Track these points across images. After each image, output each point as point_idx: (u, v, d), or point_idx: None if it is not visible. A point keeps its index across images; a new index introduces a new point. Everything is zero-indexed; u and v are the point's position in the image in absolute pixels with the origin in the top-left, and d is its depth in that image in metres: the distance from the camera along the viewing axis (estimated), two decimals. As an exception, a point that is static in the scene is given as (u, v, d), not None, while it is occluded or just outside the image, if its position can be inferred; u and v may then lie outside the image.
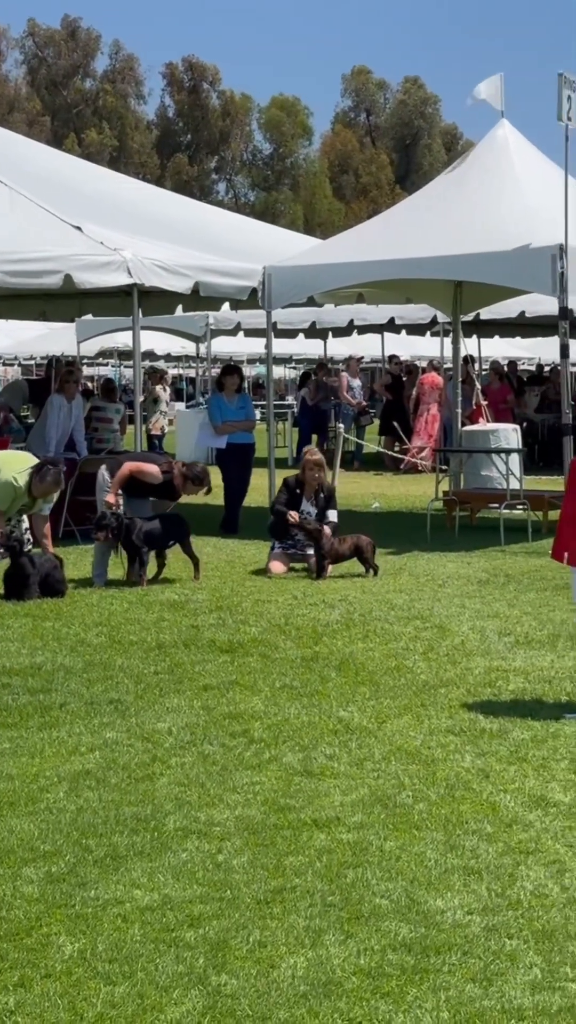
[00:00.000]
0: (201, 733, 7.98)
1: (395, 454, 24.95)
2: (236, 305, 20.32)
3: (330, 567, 13.83)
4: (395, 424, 27.52)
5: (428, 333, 32.04)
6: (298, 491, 14.29)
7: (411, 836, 6.24)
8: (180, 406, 47.11)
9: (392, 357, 32.37)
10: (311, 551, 13.99)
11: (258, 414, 38.42)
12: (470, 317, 25.60)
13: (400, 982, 4.75)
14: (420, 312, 27.92)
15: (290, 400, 40.79)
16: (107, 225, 16.89)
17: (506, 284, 16.95)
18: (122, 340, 41.23)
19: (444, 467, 20.99)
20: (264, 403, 48.57)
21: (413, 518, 19.00)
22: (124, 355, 48.13)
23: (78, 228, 16.48)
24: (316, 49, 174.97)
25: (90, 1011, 4.56)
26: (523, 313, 25.73)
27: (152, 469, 13.42)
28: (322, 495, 14.29)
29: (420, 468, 26.22)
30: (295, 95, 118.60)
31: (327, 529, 13.85)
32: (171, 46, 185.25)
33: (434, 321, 27.31)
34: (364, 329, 32.44)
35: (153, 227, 17.87)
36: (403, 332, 33.75)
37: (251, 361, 52.04)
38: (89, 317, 25.52)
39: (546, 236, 15.45)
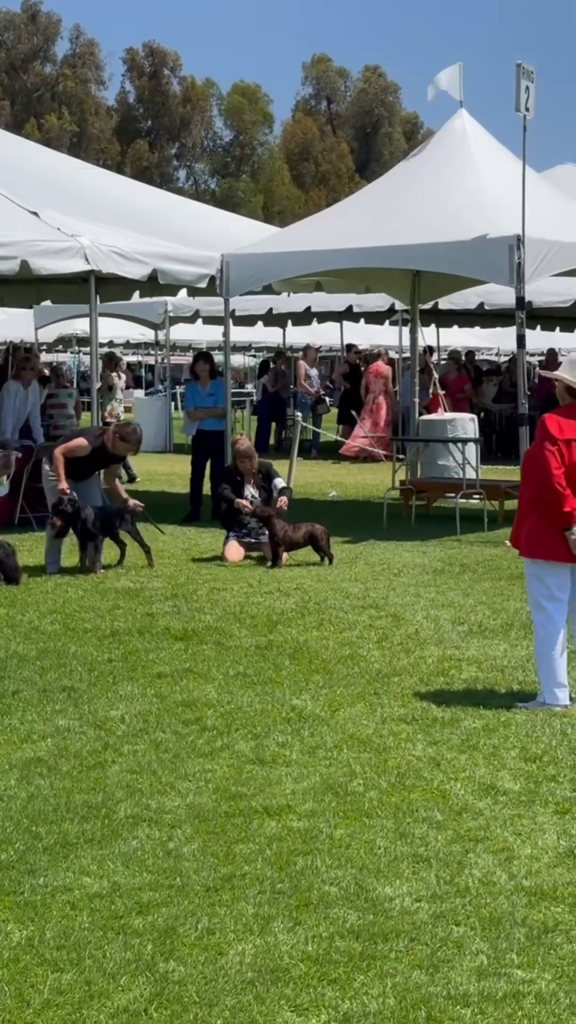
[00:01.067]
0: (154, 721, 8.00)
1: (339, 438, 24.93)
2: (193, 292, 20.29)
3: (285, 555, 13.84)
4: (352, 413, 27.54)
5: (387, 322, 32.04)
6: (239, 478, 14.34)
7: (361, 824, 6.26)
8: (140, 393, 47.14)
9: (350, 346, 32.38)
10: (266, 538, 14.01)
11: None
12: (428, 306, 25.70)
13: (347, 968, 4.78)
14: (378, 300, 27.88)
15: (249, 388, 40.70)
16: (65, 211, 16.82)
17: (463, 274, 16.99)
18: (80, 327, 41.07)
19: (401, 456, 21.01)
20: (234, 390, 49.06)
21: (370, 507, 19.04)
22: (83, 342, 47.97)
23: (35, 214, 16.42)
24: (277, 36, 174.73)
25: (37, 998, 4.56)
26: (482, 304, 25.77)
27: (79, 443, 13.45)
28: (260, 475, 14.34)
29: (375, 456, 26.23)
30: (256, 82, 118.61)
31: (284, 500, 13.97)
32: (132, 31, 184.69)
33: (392, 310, 27.33)
34: (323, 317, 32.45)
35: (111, 214, 17.80)
36: (362, 320, 33.71)
37: (210, 349, 51.90)
38: (47, 304, 25.41)
39: (503, 226, 15.48)
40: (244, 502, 14.04)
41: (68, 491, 13.22)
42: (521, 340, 15.57)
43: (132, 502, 13.71)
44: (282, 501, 14.00)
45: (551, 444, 7.98)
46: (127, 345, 48.15)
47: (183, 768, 7.09)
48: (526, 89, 15.19)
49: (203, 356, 18.37)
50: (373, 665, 9.43)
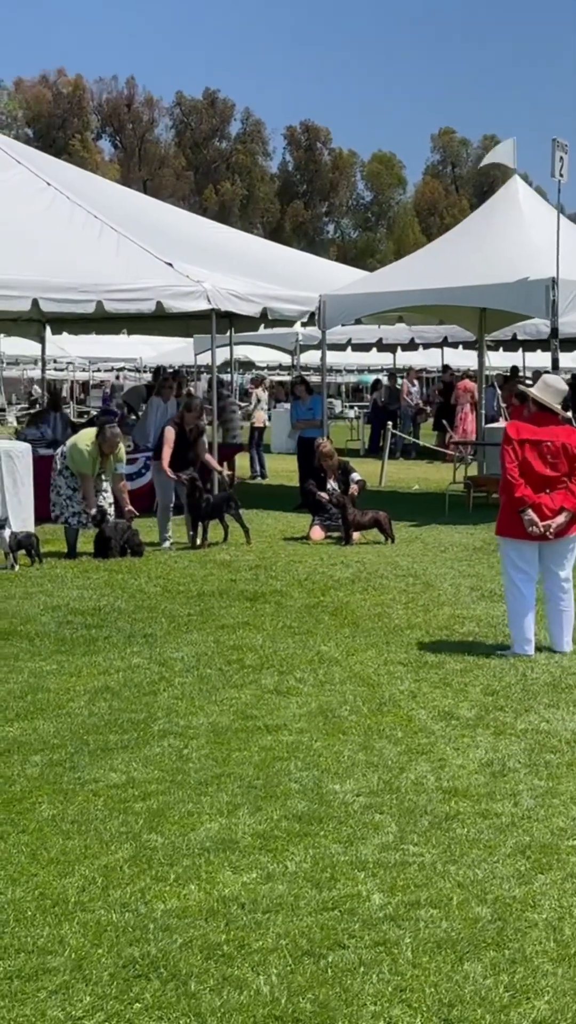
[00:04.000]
0: (206, 660, 8.41)
1: (435, 447, 25.10)
2: (305, 324, 20.65)
3: (356, 535, 14.16)
4: (443, 422, 27.65)
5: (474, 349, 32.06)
6: (322, 475, 14.69)
7: (336, 739, 6.61)
8: (286, 406, 47.85)
9: (446, 367, 32.40)
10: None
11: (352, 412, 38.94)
12: (508, 335, 25.80)
13: (283, 842, 5.15)
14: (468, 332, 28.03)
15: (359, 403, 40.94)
16: (192, 261, 17.29)
17: (510, 309, 17.08)
18: (242, 353, 41.84)
19: (472, 456, 21.17)
20: (357, 404, 49.49)
21: (441, 498, 19.21)
22: (243, 365, 48.74)
23: (169, 264, 16.90)
24: (410, 112, 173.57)
25: (45, 855, 5.01)
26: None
27: (167, 435, 13.82)
28: (340, 472, 14.67)
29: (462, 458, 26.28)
30: (392, 151, 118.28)
31: (354, 487, 14.29)
32: (291, 111, 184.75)
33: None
34: (427, 345, 32.61)
35: (229, 262, 18.24)
36: (460, 347, 33.77)
37: (337, 370, 52.37)
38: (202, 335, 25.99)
39: (543, 269, 15.58)
40: (323, 494, 14.41)
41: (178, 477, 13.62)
42: (555, 364, 15.66)
43: (224, 472, 14.39)
44: (352, 489, 14.32)
45: (507, 444, 8.28)
46: (268, 368, 48.74)
47: (216, 696, 7.50)
48: (560, 159, 15.29)
49: (301, 380, 18.73)
50: (394, 621, 9.74)
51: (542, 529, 8.38)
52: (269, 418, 32.09)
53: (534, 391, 8.54)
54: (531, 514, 8.36)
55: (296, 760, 6.23)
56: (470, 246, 17.63)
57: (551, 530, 8.42)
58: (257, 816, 5.44)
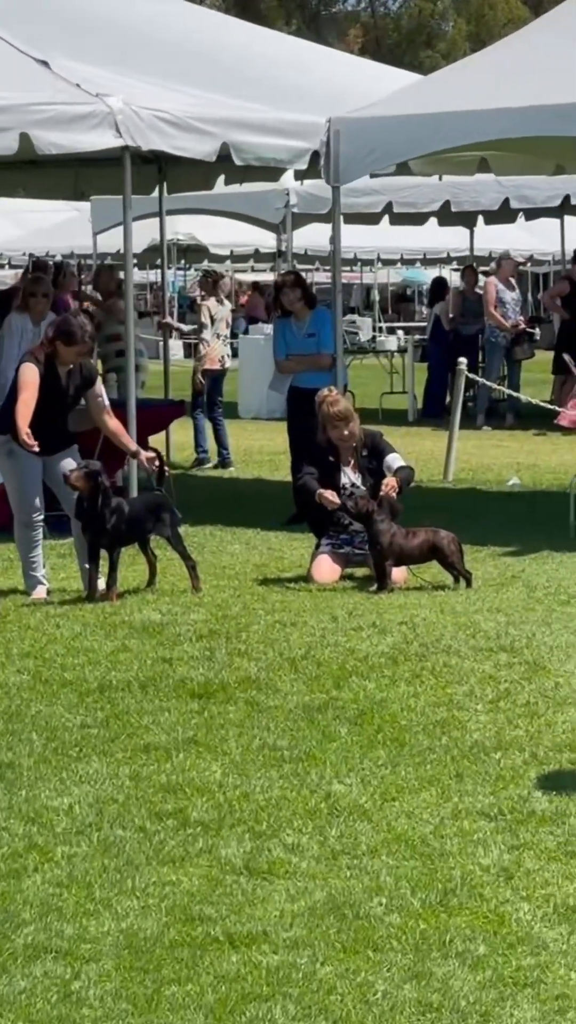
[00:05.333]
0: (114, 813, 8.45)
1: (551, 405, 25.21)
2: (302, 175, 20.84)
3: (399, 573, 14.22)
4: (568, 358, 27.76)
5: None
6: (331, 458, 14.72)
7: (361, 960, 6.63)
8: (267, 329, 47.93)
9: (575, 253, 32.65)
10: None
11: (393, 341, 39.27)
12: None
13: None
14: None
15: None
16: (89, 59, 17.39)
17: None
18: (183, 228, 42.11)
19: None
20: (403, 325, 49.67)
21: (564, 501, 19.28)
22: (186, 252, 49.09)
23: (44, 64, 16.97)
24: None
25: None
26: None
27: (21, 379, 13.93)
28: (365, 452, 14.75)
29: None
30: None
31: (391, 483, 14.36)
32: None
33: None
34: (531, 213, 32.81)
35: (162, 60, 18.36)
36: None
37: (366, 262, 52.66)
38: (106, 197, 26.06)
39: None
40: (328, 494, 14.44)
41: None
42: None
43: (145, 454, 14.38)
44: (388, 485, 14.30)
45: None
46: (233, 257, 49.03)
47: (133, 880, 7.52)
48: None
49: (294, 279, 18.79)
50: (472, 735, 9.79)
51: None
52: (233, 354, 32.30)
53: None
54: None
55: (285, 1001, 6.25)
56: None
57: None
58: None
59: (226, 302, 27.82)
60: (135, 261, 34.89)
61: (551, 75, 17.46)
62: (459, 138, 18.18)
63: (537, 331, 36.06)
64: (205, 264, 48.09)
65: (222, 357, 24.96)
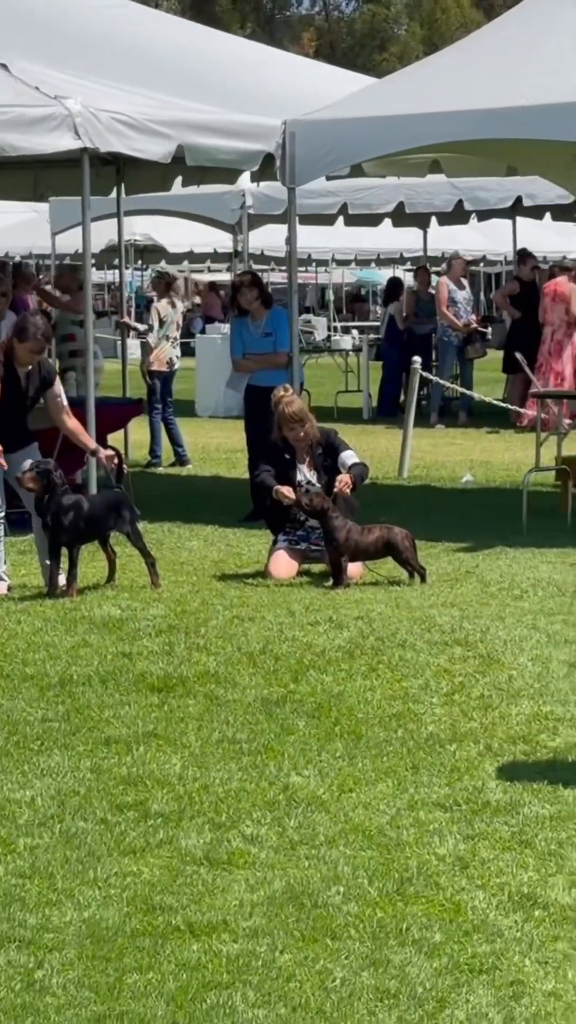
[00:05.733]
0: (76, 805, 8.49)
1: (502, 403, 25.29)
2: (258, 177, 20.88)
3: (355, 568, 14.28)
4: (519, 357, 27.78)
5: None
6: (287, 456, 14.79)
7: (320, 948, 6.67)
8: (224, 328, 47.97)
9: (523, 254, 32.60)
10: (329, 544, 14.48)
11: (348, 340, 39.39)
12: None
13: None
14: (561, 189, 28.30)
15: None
16: (49, 61, 17.42)
17: None
18: (139, 229, 42.15)
19: (571, 421, 21.37)
20: (359, 324, 49.71)
21: (515, 498, 19.34)
22: (144, 252, 49.10)
23: (3, 66, 17.02)
24: None
25: None
26: None
27: None
28: (319, 451, 14.82)
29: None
30: None
31: (345, 479, 14.48)
32: None
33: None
34: (484, 214, 32.92)
35: (122, 64, 18.40)
36: (547, 217, 33.99)
37: (320, 262, 52.72)
38: (65, 199, 26.11)
39: None
40: (285, 490, 14.49)
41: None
42: None
43: (104, 452, 14.48)
44: (342, 482, 14.40)
45: None
46: (192, 257, 49.11)
47: (94, 871, 7.56)
48: None
49: (250, 279, 18.84)
50: (427, 727, 9.85)
51: None
52: (191, 353, 32.36)
53: None
54: None
55: (245, 988, 6.29)
56: (562, 29, 17.78)
57: None
58: None
59: (179, 304, 27.79)
60: (93, 261, 35.22)
61: (502, 78, 17.53)
62: (412, 140, 18.25)
63: (489, 330, 36.15)
64: (162, 264, 48.10)
65: (170, 359, 24.96)
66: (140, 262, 54.16)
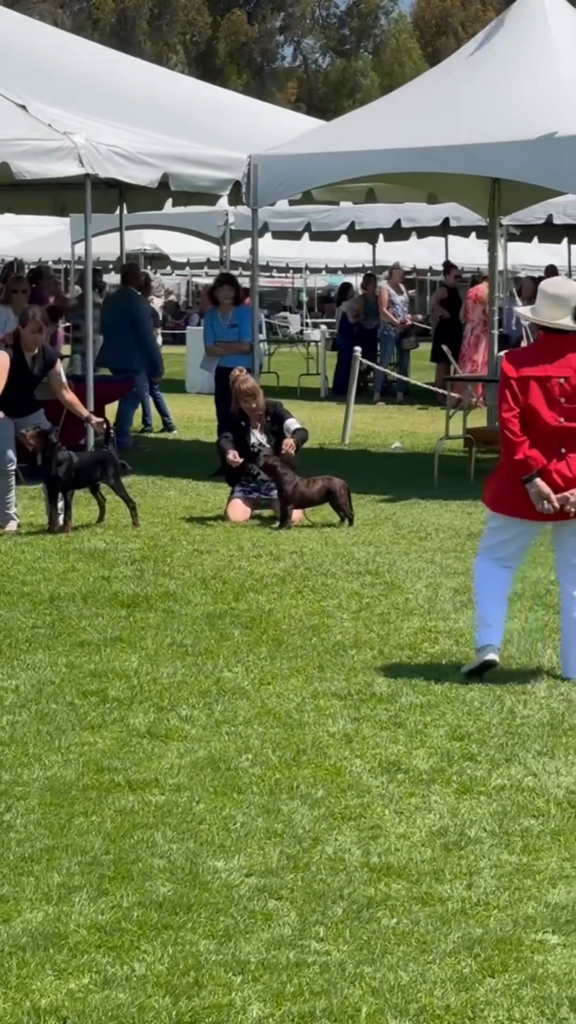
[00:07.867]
0: (50, 691, 8.81)
1: (430, 387, 25.55)
2: (232, 200, 21.10)
3: (297, 513, 14.58)
4: (444, 348, 28.11)
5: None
6: (243, 423, 15.15)
7: (227, 799, 7.02)
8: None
9: (448, 266, 32.85)
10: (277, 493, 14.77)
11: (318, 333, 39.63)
12: (542, 220, 26.35)
13: (133, 937, 5.54)
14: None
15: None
16: (60, 103, 17.66)
17: (528, 180, 17.49)
18: (149, 240, 42.33)
19: (482, 399, 21.68)
20: (327, 320, 49.86)
21: (431, 460, 19.66)
22: (152, 259, 49.23)
23: (23, 107, 17.24)
24: None
25: None
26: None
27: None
28: (268, 419, 15.19)
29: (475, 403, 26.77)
30: None
31: (289, 443, 14.84)
32: None
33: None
34: (422, 232, 33.08)
35: (121, 106, 18.63)
36: (472, 235, 34.20)
37: (296, 269, 52.83)
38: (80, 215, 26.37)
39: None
40: (230, 455, 14.88)
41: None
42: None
43: (95, 419, 14.88)
44: (287, 444, 14.77)
45: (504, 386, 8.69)
46: (190, 264, 49.30)
47: (59, 741, 7.90)
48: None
49: (226, 279, 19.17)
50: (335, 637, 10.17)
51: (556, 505, 8.78)
52: (182, 341, 32.61)
53: (524, 311, 8.97)
54: (539, 484, 8.75)
55: (166, 828, 6.63)
56: (480, 83, 17.99)
57: (569, 505, 8.81)
58: (100, 903, 5.84)
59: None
60: (111, 265, 35.55)
61: (427, 120, 17.74)
62: (350, 172, 18.56)
63: (431, 327, 36.33)
64: (168, 270, 48.40)
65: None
66: (149, 267, 54.25)
